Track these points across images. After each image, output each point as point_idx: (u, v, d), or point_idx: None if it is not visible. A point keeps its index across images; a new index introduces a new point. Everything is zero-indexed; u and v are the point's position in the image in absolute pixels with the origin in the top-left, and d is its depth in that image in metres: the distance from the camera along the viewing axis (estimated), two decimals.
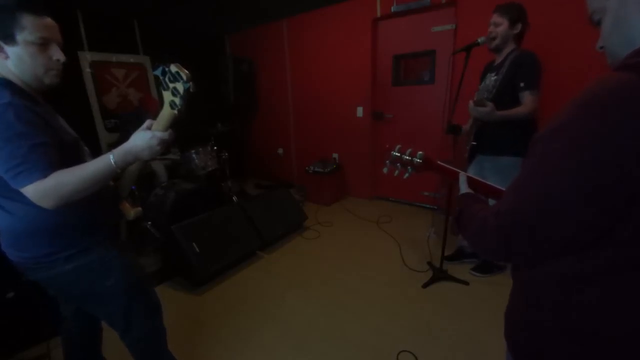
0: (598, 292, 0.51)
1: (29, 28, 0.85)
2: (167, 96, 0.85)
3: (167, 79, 0.83)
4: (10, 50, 0.86)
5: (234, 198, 3.30)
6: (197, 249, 2.19)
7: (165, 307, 1.24)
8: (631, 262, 0.48)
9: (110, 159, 0.86)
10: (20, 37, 0.85)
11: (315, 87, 3.93)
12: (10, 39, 0.85)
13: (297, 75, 4.10)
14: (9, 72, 0.88)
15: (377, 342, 1.70)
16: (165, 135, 0.88)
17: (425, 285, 2.14)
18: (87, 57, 3.34)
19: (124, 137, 0.89)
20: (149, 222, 2.50)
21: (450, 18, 2.88)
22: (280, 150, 4.63)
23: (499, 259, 1.97)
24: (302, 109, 4.20)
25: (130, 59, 3.71)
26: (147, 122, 0.90)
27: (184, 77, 0.82)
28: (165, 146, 0.90)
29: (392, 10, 3.09)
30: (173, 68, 0.82)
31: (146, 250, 2.59)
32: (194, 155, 3.08)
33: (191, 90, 0.84)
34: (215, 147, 3.27)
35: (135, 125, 0.92)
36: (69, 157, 0.93)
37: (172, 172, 3.19)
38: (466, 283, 2.13)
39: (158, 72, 0.84)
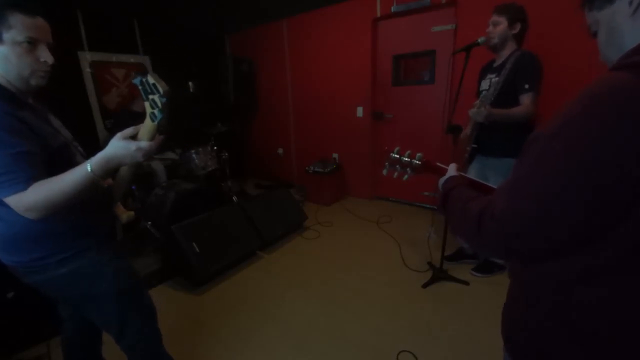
0: (598, 292, 0.51)
1: (17, 27, 0.82)
2: (147, 107, 0.80)
3: (145, 90, 0.78)
4: None
5: (234, 198, 3.30)
6: (197, 249, 2.19)
7: (165, 307, 1.24)
8: (631, 262, 0.48)
9: (87, 168, 0.81)
10: (7, 35, 0.82)
11: (315, 87, 3.93)
12: None
13: (297, 75, 4.10)
14: None
15: (377, 342, 1.70)
16: (150, 145, 0.82)
17: (425, 285, 2.14)
18: (87, 57, 3.34)
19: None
20: (149, 222, 2.50)
21: (450, 18, 2.88)
22: (280, 150, 4.63)
23: (495, 257, 1.98)
24: (302, 109, 4.19)
25: (130, 59, 3.71)
26: (132, 129, 0.84)
27: (160, 91, 0.76)
28: (149, 155, 0.85)
29: (392, 10, 3.09)
30: (150, 79, 0.76)
31: (146, 250, 2.59)
32: (194, 155, 3.08)
33: (167, 103, 0.77)
34: (215, 147, 3.27)
35: (130, 124, 0.88)
36: (58, 163, 0.90)
37: (172, 172, 3.19)
38: (466, 283, 2.13)
39: (137, 81, 0.79)
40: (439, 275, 2.18)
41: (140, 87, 0.78)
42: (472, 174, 1.99)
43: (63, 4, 3.02)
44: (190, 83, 3.15)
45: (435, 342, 1.67)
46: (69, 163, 0.96)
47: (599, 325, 0.52)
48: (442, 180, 0.86)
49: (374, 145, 3.70)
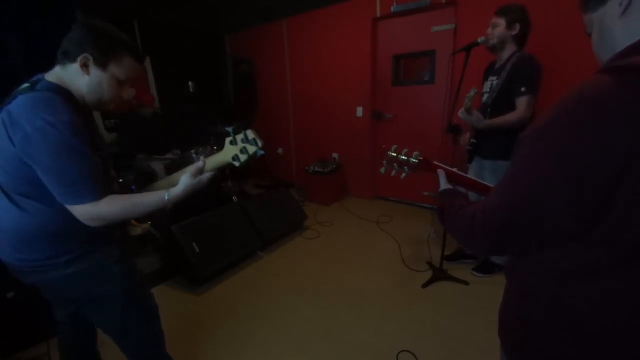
0: (597, 287, 0.52)
1: (125, 67, 0.92)
2: (233, 150, 0.93)
3: (239, 138, 0.92)
4: (94, 71, 0.90)
5: (234, 198, 3.30)
6: (197, 249, 2.19)
7: (165, 307, 1.24)
8: (626, 257, 0.48)
9: (165, 197, 0.91)
10: (111, 68, 0.91)
11: (315, 87, 3.93)
12: (102, 64, 0.90)
13: (297, 75, 4.10)
14: (75, 85, 0.91)
15: (377, 342, 1.70)
16: (213, 173, 0.96)
17: (425, 285, 2.14)
18: None
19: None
20: (149, 222, 2.50)
21: (450, 18, 2.88)
22: (280, 150, 4.63)
23: (492, 255, 1.98)
24: (302, 109, 4.19)
25: None
26: (201, 164, 0.94)
27: (259, 145, 0.91)
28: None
29: (392, 10, 3.09)
30: (250, 134, 0.91)
31: (146, 250, 2.59)
32: (194, 155, 3.07)
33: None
34: (215, 147, 3.27)
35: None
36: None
37: (172, 172, 3.18)
38: (466, 283, 2.13)
39: (231, 130, 0.91)
40: (439, 275, 2.18)
41: (232, 134, 0.92)
42: (471, 175, 1.99)
43: (63, 4, 3.02)
44: (190, 83, 3.16)
45: (435, 342, 1.67)
46: (107, 174, 1.00)
47: (597, 323, 0.52)
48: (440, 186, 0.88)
49: (374, 145, 3.70)
